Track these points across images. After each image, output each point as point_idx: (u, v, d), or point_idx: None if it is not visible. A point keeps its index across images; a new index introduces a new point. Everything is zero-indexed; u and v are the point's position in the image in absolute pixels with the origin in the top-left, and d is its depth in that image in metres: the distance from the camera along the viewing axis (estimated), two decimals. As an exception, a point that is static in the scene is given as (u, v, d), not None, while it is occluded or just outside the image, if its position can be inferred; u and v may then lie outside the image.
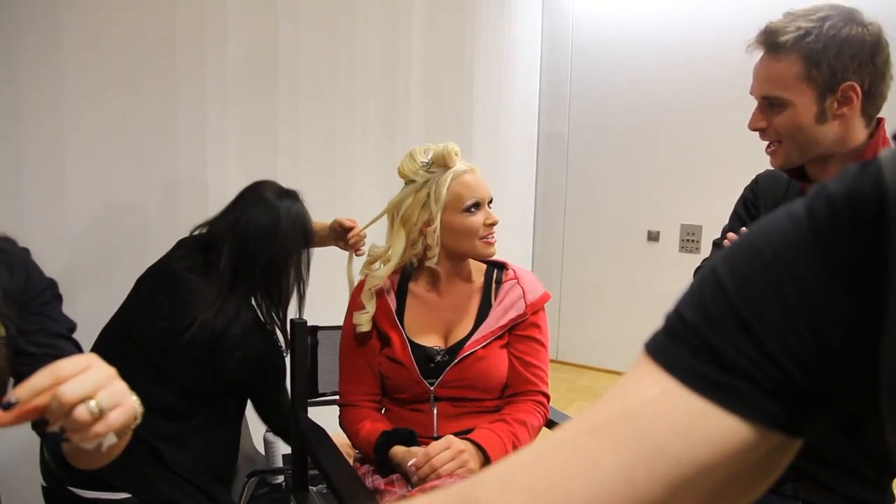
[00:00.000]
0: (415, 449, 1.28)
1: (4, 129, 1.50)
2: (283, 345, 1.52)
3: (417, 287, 1.46)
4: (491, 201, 1.41)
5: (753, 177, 1.32)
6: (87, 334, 1.39)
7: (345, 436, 1.49)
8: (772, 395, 0.33)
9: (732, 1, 3.38)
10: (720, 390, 0.33)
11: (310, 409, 1.61)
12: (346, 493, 1.19)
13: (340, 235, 1.64)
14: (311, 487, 1.60)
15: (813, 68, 1.03)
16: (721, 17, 3.39)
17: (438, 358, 1.37)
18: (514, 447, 1.30)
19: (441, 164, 1.37)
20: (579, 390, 3.67)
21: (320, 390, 1.65)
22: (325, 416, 1.59)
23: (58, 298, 0.93)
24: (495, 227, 1.41)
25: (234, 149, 2.01)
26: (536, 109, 4.05)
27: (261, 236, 1.42)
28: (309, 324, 1.61)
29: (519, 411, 1.36)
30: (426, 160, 1.38)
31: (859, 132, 1.07)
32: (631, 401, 0.35)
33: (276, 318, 1.50)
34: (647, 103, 3.67)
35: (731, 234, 1.20)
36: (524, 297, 1.41)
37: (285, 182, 2.20)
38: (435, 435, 1.35)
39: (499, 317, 1.40)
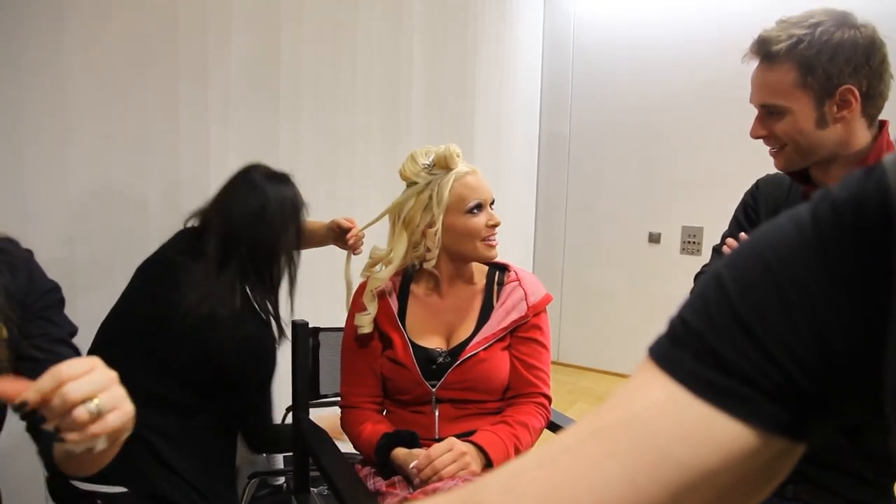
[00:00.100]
0: (416, 451, 1.28)
1: (7, 129, 1.50)
2: (277, 335, 1.48)
3: (419, 289, 1.46)
4: (493, 202, 1.42)
5: (754, 179, 1.32)
6: (88, 333, 1.40)
7: (332, 421, 1.51)
8: (775, 400, 0.33)
9: (733, 2, 3.38)
10: (723, 395, 0.33)
11: (311, 410, 1.61)
12: (348, 495, 1.19)
13: (339, 236, 1.63)
14: (312, 489, 1.60)
15: (808, 75, 1.03)
16: (722, 18, 3.39)
17: (440, 359, 1.37)
18: (516, 449, 1.30)
19: (443, 165, 1.37)
20: (580, 392, 3.67)
21: (322, 392, 1.66)
22: (327, 418, 1.59)
23: (60, 302, 0.93)
24: (497, 229, 1.41)
25: (235, 150, 2.01)
26: (538, 110, 4.05)
27: (248, 218, 1.40)
28: (310, 325, 1.61)
29: (520, 413, 1.36)
30: (428, 162, 1.38)
31: (862, 134, 1.07)
32: (634, 406, 0.35)
33: (269, 305, 1.46)
34: (649, 104, 3.67)
35: (730, 240, 1.20)
36: (526, 299, 1.41)
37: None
38: (436, 437, 1.35)
39: (500, 318, 1.40)
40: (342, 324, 1.52)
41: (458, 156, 1.37)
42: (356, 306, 1.45)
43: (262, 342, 1.43)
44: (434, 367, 1.37)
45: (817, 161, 1.11)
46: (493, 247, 1.40)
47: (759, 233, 0.36)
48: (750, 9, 3.23)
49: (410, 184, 1.40)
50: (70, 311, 0.98)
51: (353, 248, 1.60)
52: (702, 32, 3.48)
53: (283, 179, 1.48)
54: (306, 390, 1.60)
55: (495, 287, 1.45)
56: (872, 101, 1.06)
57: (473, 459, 1.24)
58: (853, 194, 0.33)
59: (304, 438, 1.50)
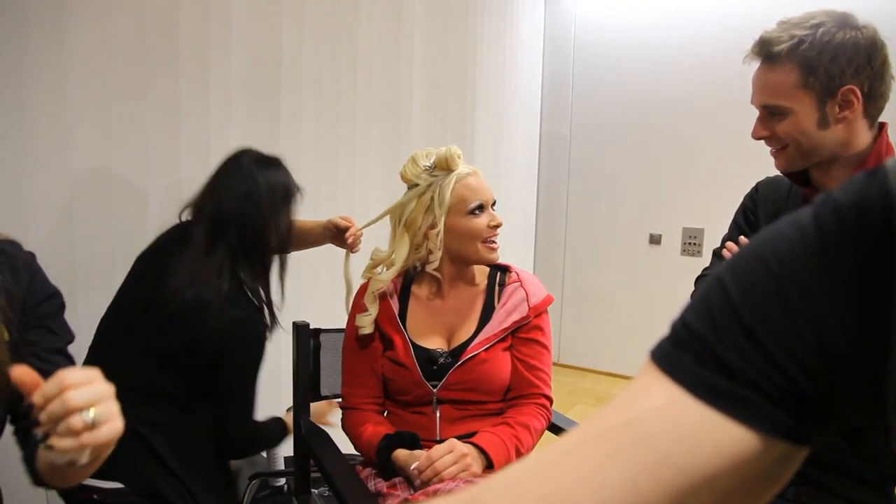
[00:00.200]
0: (417, 452, 1.28)
1: (8, 129, 1.50)
2: (269, 322, 1.44)
3: (420, 290, 1.46)
4: (494, 203, 1.42)
5: (755, 180, 1.32)
6: (89, 332, 1.40)
7: (317, 408, 1.52)
8: (777, 403, 0.33)
9: (734, 3, 3.38)
10: (725, 398, 0.33)
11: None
12: (349, 496, 1.19)
13: (335, 235, 1.61)
14: (313, 490, 1.60)
15: (810, 75, 1.03)
16: (723, 19, 3.39)
17: (441, 360, 1.37)
18: (517, 450, 1.30)
19: (444, 167, 1.37)
20: (581, 393, 3.67)
21: (322, 393, 1.65)
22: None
23: (61, 308, 0.94)
24: (498, 230, 1.41)
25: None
26: (538, 111, 4.05)
27: (236, 201, 1.39)
28: (311, 326, 1.61)
29: (522, 414, 1.36)
30: (429, 164, 1.39)
31: (863, 135, 1.08)
32: (636, 408, 0.35)
33: (260, 290, 1.43)
34: (649, 105, 3.67)
35: (729, 244, 1.20)
36: (527, 300, 1.41)
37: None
38: (437, 438, 1.35)
39: (502, 319, 1.40)
40: (343, 325, 1.52)
41: (459, 157, 1.38)
42: (357, 307, 1.45)
43: (249, 326, 1.39)
44: (435, 367, 1.37)
45: (818, 162, 1.11)
46: (494, 250, 1.40)
47: (761, 236, 0.36)
48: (751, 9, 3.23)
49: (411, 185, 1.40)
50: (71, 311, 0.98)
51: (351, 248, 1.59)
52: (702, 33, 3.48)
53: (272, 163, 1.46)
54: (307, 391, 1.60)
55: (496, 288, 1.45)
56: (874, 101, 1.06)
57: (474, 461, 1.24)
58: (856, 198, 0.33)
59: (305, 439, 1.51)
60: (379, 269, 1.46)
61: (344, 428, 1.45)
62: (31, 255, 0.93)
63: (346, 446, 1.48)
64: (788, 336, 0.33)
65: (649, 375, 0.36)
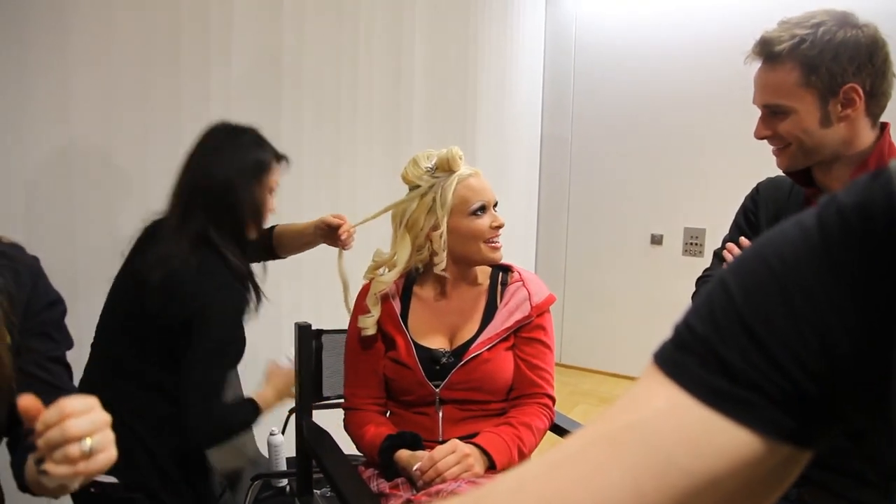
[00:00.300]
0: (420, 453, 1.28)
1: (10, 129, 1.51)
2: (253, 298, 1.38)
3: (422, 291, 1.46)
4: (496, 204, 1.42)
5: (757, 181, 1.32)
6: (89, 332, 1.40)
7: (284, 379, 1.50)
8: (780, 406, 0.33)
9: (735, 3, 3.38)
10: (729, 401, 0.33)
11: (314, 412, 1.61)
12: (351, 497, 1.20)
13: (327, 233, 1.59)
14: (315, 491, 1.60)
15: (811, 74, 1.03)
16: (724, 20, 3.39)
17: (444, 360, 1.38)
18: (519, 451, 1.30)
19: (445, 168, 1.37)
20: (582, 394, 3.67)
21: (325, 394, 1.65)
22: (330, 420, 1.59)
23: (62, 315, 0.95)
24: (500, 231, 1.41)
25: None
26: (539, 112, 4.05)
27: (204, 174, 1.36)
28: (314, 327, 1.61)
29: (524, 414, 1.36)
30: (430, 165, 1.39)
31: (865, 134, 1.08)
32: (640, 412, 0.35)
33: (240, 265, 1.37)
34: (651, 106, 3.67)
35: (730, 245, 1.20)
36: (529, 300, 1.41)
37: (289, 184, 2.21)
38: (440, 439, 1.35)
39: (504, 319, 1.40)
40: (345, 326, 1.52)
41: (460, 158, 1.38)
42: (359, 309, 1.45)
43: (221, 295, 1.32)
44: (438, 367, 1.37)
45: (820, 161, 1.11)
46: (497, 249, 1.40)
47: (764, 238, 0.36)
48: (751, 9, 3.23)
49: (413, 187, 1.41)
50: (72, 311, 0.99)
51: (344, 244, 1.57)
52: (703, 33, 3.48)
53: (242, 135, 1.42)
54: (310, 392, 1.60)
55: (499, 287, 1.45)
56: (876, 100, 1.06)
57: (477, 461, 1.24)
58: (859, 199, 0.33)
59: (307, 440, 1.51)
60: (381, 270, 1.46)
61: (346, 428, 1.45)
62: (35, 260, 0.93)
63: (348, 447, 1.48)
64: (791, 337, 0.33)
65: (652, 378, 0.36)
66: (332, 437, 1.48)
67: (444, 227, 1.36)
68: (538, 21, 3.94)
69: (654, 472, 0.33)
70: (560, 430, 1.47)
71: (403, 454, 1.29)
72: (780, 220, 0.37)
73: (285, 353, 1.57)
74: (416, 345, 1.39)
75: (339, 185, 2.45)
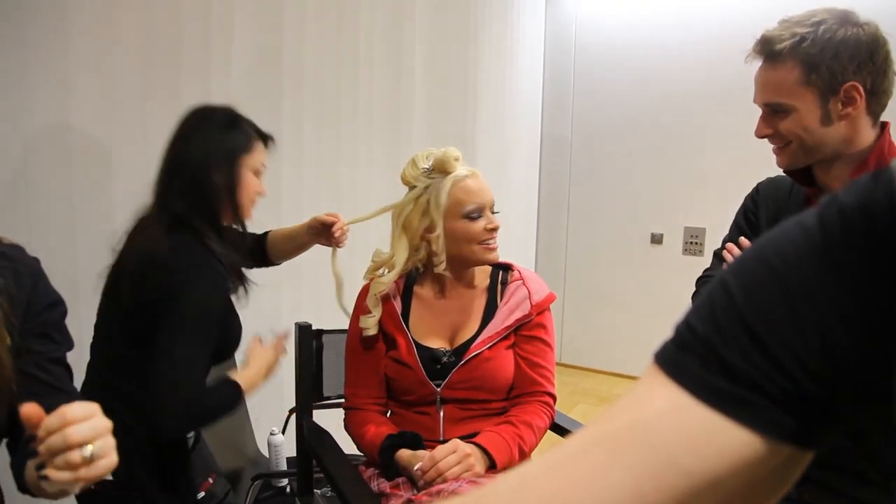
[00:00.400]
0: (420, 452, 1.28)
1: (12, 129, 1.51)
2: (234, 282, 1.31)
3: (423, 290, 1.46)
4: (493, 206, 1.41)
5: (757, 180, 1.32)
6: (90, 334, 1.40)
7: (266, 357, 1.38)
8: (781, 406, 0.33)
9: (735, 2, 3.38)
10: (730, 402, 0.33)
11: (315, 412, 1.61)
12: (352, 497, 1.20)
13: (321, 232, 1.57)
14: (315, 490, 1.60)
15: (812, 72, 1.03)
16: (725, 19, 3.39)
17: (445, 359, 1.38)
18: (520, 449, 1.31)
19: (440, 169, 1.37)
20: (583, 393, 3.67)
21: (325, 394, 1.66)
22: (330, 420, 1.59)
23: (62, 316, 0.94)
24: (498, 232, 1.41)
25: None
26: (539, 112, 4.05)
27: (176, 147, 1.33)
28: (314, 327, 1.61)
29: (525, 413, 1.36)
30: (427, 166, 1.38)
31: (866, 132, 1.08)
32: (641, 412, 0.35)
33: (220, 247, 1.30)
34: (650, 105, 3.67)
35: (730, 245, 1.20)
36: (530, 298, 1.41)
37: (290, 185, 2.22)
38: (441, 438, 1.35)
39: (504, 317, 1.40)
40: (345, 326, 1.52)
41: (455, 160, 1.37)
42: (360, 309, 1.45)
43: (195, 272, 1.24)
44: (438, 366, 1.37)
45: (820, 160, 1.11)
46: (492, 250, 1.40)
47: (765, 238, 0.36)
48: (751, 8, 3.23)
49: (411, 188, 1.40)
50: (72, 312, 0.99)
51: (338, 242, 1.55)
52: (704, 32, 3.48)
53: (213, 118, 1.36)
54: (310, 392, 1.60)
55: (499, 286, 1.45)
56: (877, 98, 1.06)
57: (477, 461, 1.24)
58: (861, 199, 0.33)
59: (308, 440, 1.51)
60: (380, 271, 1.46)
61: (347, 428, 1.45)
62: (36, 261, 0.93)
63: (348, 447, 1.48)
64: (792, 337, 0.33)
65: (653, 378, 0.36)
66: (332, 437, 1.48)
67: (440, 229, 1.36)
68: (538, 20, 3.94)
69: (654, 472, 0.33)
70: (560, 430, 1.47)
71: (404, 454, 1.29)
72: (781, 219, 0.37)
73: (271, 330, 1.48)
74: (416, 344, 1.39)
75: (340, 186, 2.45)
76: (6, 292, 0.83)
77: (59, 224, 1.62)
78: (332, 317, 1.70)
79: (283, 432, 1.81)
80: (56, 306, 0.93)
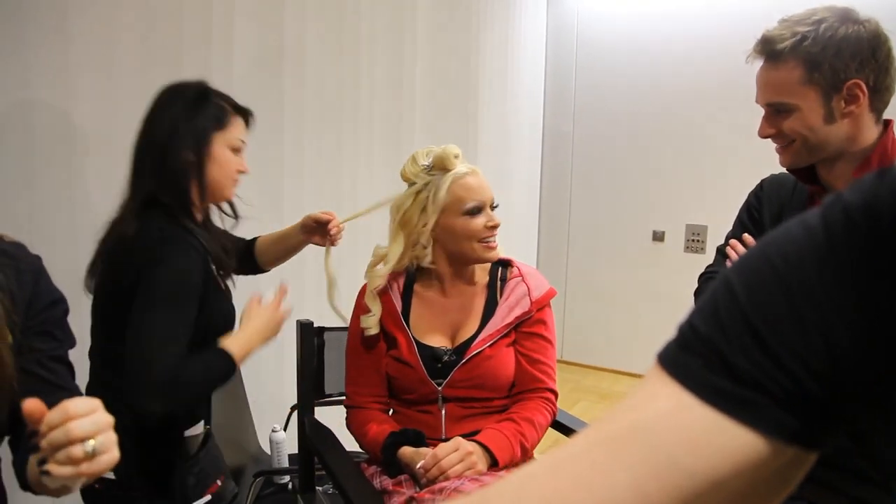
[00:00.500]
0: (423, 450, 1.28)
1: (14, 129, 1.51)
2: (202, 252, 1.21)
3: (423, 288, 1.46)
4: (493, 203, 1.41)
5: (759, 177, 1.32)
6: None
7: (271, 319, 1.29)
8: (784, 406, 0.33)
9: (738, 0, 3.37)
10: (733, 402, 0.33)
11: (316, 409, 1.61)
12: (354, 494, 1.20)
13: (314, 230, 1.54)
14: (317, 487, 1.60)
15: (814, 71, 1.03)
16: (727, 16, 3.38)
17: (446, 358, 1.38)
18: (522, 446, 1.31)
19: (440, 166, 1.37)
20: (584, 391, 3.67)
21: (327, 391, 1.66)
22: (332, 417, 1.59)
23: (64, 314, 0.94)
24: (498, 229, 1.40)
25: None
26: (541, 107, 4.05)
27: (145, 126, 1.27)
28: (315, 325, 1.61)
29: (526, 409, 1.36)
30: (427, 163, 1.38)
31: (869, 129, 1.08)
32: (643, 412, 0.35)
33: (195, 229, 1.24)
34: (653, 103, 3.67)
35: (733, 242, 1.19)
36: (529, 294, 1.41)
37: (291, 185, 2.22)
38: (443, 437, 1.35)
39: (504, 315, 1.40)
40: (347, 324, 1.52)
41: (455, 157, 1.37)
42: (360, 308, 1.46)
43: (166, 244, 1.18)
44: (440, 365, 1.37)
45: (823, 158, 1.10)
46: (492, 249, 1.39)
47: (768, 238, 0.36)
48: (753, 6, 3.22)
49: (410, 184, 1.40)
50: (74, 310, 0.99)
51: (333, 240, 1.53)
52: (705, 29, 3.47)
53: (183, 90, 1.29)
54: (311, 390, 1.60)
55: (499, 283, 1.45)
56: (879, 95, 1.06)
57: (479, 459, 1.25)
58: (865, 198, 0.33)
59: (309, 437, 1.51)
60: (379, 266, 1.46)
61: (348, 427, 1.46)
62: (37, 259, 0.93)
63: (349, 444, 1.48)
64: (794, 337, 0.33)
65: (656, 379, 0.36)
66: (333, 434, 1.49)
67: (430, 223, 1.36)
68: (540, 15, 3.93)
69: (657, 473, 0.33)
70: (562, 427, 1.48)
71: (407, 451, 1.29)
72: (784, 216, 0.37)
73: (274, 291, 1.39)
74: (417, 343, 1.39)
75: (341, 185, 2.45)
76: (8, 290, 0.84)
77: (60, 222, 1.62)
78: (333, 314, 1.70)
79: (285, 429, 1.81)
80: (57, 304, 0.93)
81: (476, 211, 1.36)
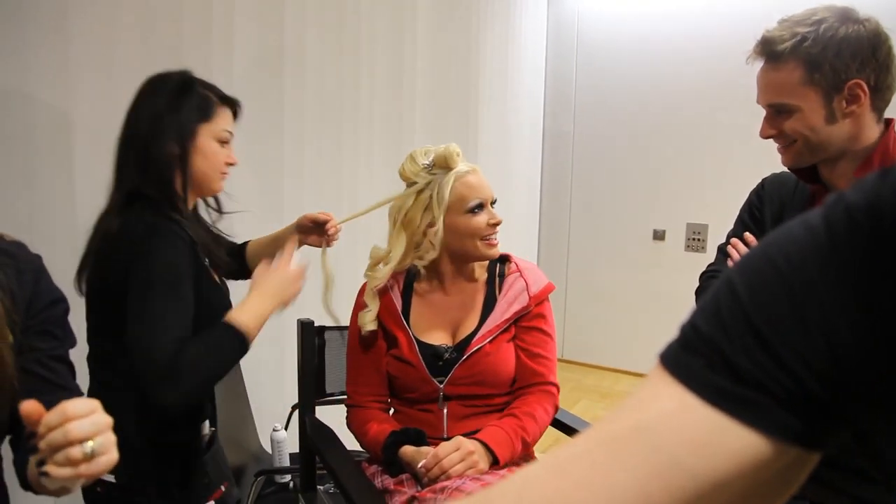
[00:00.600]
0: (424, 449, 1.28)
1: (14, 129, 1.51)
2: (187, 239, 1.18)
3: (422, 286, 1.46)
4: (494, 201, 1.41)
5: (760, 176, 1.32)
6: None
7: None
8: (787, 407, 0.33)
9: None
10: (735, 403, 0.33)
11: (317, 408, 1.61)
12: (355, 493, 1.20)
13: (310, 231, 1.49)
14: (318, 487, 1.60)
15: (815, 72, 1.03)
16: (727, 16, 3.38)
17: (447, 355, 1.38)
18: (523, 441, 1.31)
19: (443, 165, 1.37)
20: (585, 389, 3.67)
21: (328, 390, 1.66)
22: (333, 416, 1.59)
23: (65, 313, 0.94)
24: (499, 228, 1.41)
25: (240, 153, 2.01)
26: (542, 107, 4.05)
27: (128, 117, 1.24)
28: (316, 324, 1.61)
29: (527, 404, 1.36)
30: (427, 162, 1.39)
31: (871, 128, 1.08)
32: (646, 413, 0.35)
33: (182, 222, 1.20)
34: (653, 101, 3.67)
35: (734, 241, 1.19)
36: (527, 289, 1.41)
37: (291, 184, 2.21)
38: (445, 436, 1.35)
39: (503, 310, 1.40)
40: (347, 323, 1.52)
41: (458, 155, 1.37)
42: (359, 306, 1.46)
43: (155, 232, 1.14)
44: (441, 363, 1.37)
45: (825, 158, 1.10)
46: (493, 246, 1.40)
47: (770, 238, 0.36)
48: (753, 6, 3.22)
49: (410, 184, 1.40)
50: (74, 309, 0.99)
51: (330, 241, 1.49)
52: (706, 29, 3.47)
53: (166, 80, 1.27)
54: (312, 389, 1.60)
55: (497, 279, 1.45)
56: (880, 94, 1.06)
57: (481, 458, 1.25)
58: (868, 198, 0.32)
59: (310, 436, 1.51)
60: (379, 266, 1.46)
61: (349, 426, 1.46)
62: (38, 258, 0.93)
63: (350, 443, 1.48)
64: (796, 337, 0.33)
65: (658, 379, 0.36)
66: (334, 433, 1.49)
67: (440, 225, 1.36)
68: (540, 15, 3.93)
69: (659, 473, 0.33)
70: (563, 427, 1.48)
71: (408, 450, 1.30)
72: (785, 216, 0.37)
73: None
74: (418, 341, 1.39)
75: (341, 185, 2.45)
76: (8, 289, 0.84)
77: (60, 222, 1.62)
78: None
79: (286, 428, 1.81)
80: (58, 303, 0.93)
81: (478, 209, 1.37)
